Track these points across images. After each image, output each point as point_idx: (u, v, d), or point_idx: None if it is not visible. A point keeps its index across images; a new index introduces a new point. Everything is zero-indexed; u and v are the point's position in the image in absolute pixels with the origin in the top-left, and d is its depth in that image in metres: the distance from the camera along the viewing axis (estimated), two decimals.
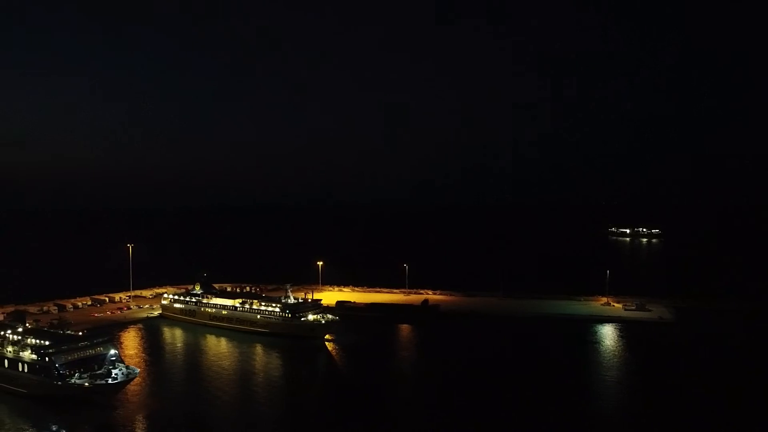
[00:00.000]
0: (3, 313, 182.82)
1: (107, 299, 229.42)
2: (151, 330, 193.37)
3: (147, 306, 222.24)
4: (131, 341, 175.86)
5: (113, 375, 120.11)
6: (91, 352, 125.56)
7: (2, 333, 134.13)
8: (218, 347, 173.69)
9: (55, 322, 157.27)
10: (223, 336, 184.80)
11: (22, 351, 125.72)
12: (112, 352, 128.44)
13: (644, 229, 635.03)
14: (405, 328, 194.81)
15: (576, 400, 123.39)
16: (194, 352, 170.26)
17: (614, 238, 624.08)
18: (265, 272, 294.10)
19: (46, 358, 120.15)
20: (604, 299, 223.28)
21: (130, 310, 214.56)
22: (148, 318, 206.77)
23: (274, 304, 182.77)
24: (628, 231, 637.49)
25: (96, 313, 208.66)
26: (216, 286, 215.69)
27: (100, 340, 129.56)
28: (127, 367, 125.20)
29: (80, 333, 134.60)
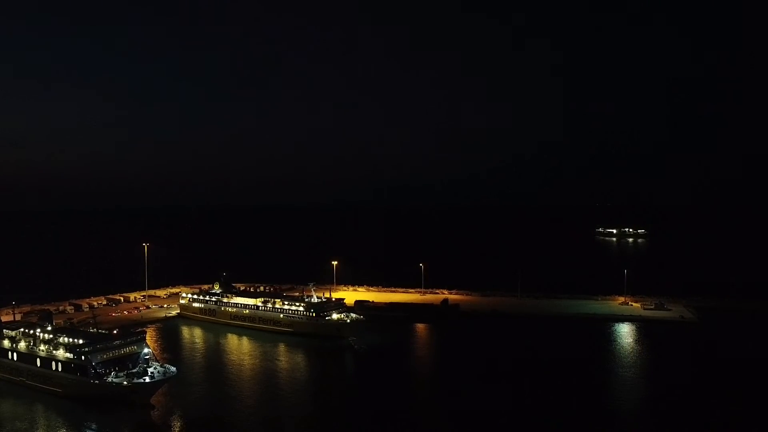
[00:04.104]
0: (20, 313, 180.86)
1: (122, 299, 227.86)
2: (170, 330, 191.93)
3: (166, 306, 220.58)
4: (152, 341, 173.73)
5: (150, 373, 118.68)
6: (126, 350, 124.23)
7: (32, 332, 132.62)
8: (241, 347, 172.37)
9: (91, 320, 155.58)
10: (244, 335, 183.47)
11: (56, 350, 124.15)
12: (146, 350, 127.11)
13: (630, 230, 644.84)
14: (426, 328, 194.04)
15: (623, 401, 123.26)
16: (217, 351, 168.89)
17: (601, 238, 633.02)
18: (276, 272, 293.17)
19: (82, 357, 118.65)
20: (622, 299, 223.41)
21: (148, 310, 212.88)
22: (166, 318, 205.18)
23: (297, 303, 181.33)
24: (614, 231, 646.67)
25: (113, 312, 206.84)
26: None
27: (134, 338, 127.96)
28: (162, 366, 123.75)
29: (114, 331, 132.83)
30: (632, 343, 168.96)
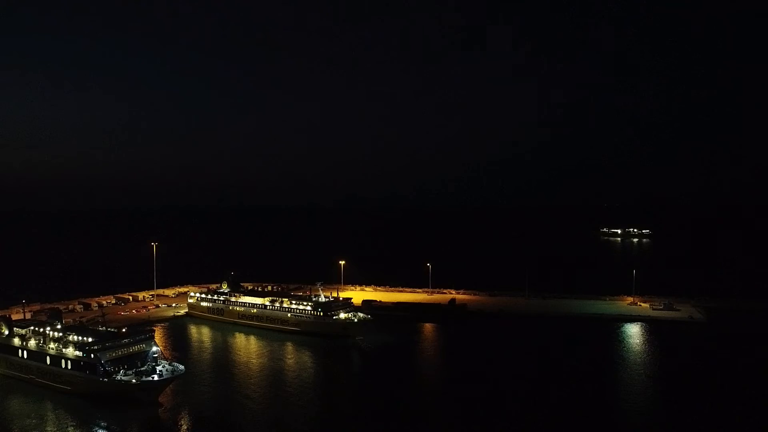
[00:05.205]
0: (30, 311, 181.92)
1: (131, 298, 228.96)
2: (178, 328, 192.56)
3: (174, 305, 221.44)
4: (160, 340, 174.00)
5: (158, 372, 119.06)
6: (135, 348, 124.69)
7: (42, 330, 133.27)
8: (249, 346, 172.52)
9: (99, 319, 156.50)
10: (252, 334, 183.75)
11: (65, 348, 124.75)
12: (154, 348, 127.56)
13: (635, 230, 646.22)
14: (434, 328, 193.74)
15: (637, 401, 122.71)
16: (225, 350, 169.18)
17: (606, 238, 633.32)
18: (284, 271, 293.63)
19: (91, 355, 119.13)
20: (630, 299, 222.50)
21: (156, 309, 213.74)
22: (174, 317, 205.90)
23: (305, 303, 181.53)
24: (619, 231, 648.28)
25: (122, 311, 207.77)
26: None
27: (142, 336, 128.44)
28: (170, 364, 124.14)
29: (123, 330, 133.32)
30: (641, 344, 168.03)
